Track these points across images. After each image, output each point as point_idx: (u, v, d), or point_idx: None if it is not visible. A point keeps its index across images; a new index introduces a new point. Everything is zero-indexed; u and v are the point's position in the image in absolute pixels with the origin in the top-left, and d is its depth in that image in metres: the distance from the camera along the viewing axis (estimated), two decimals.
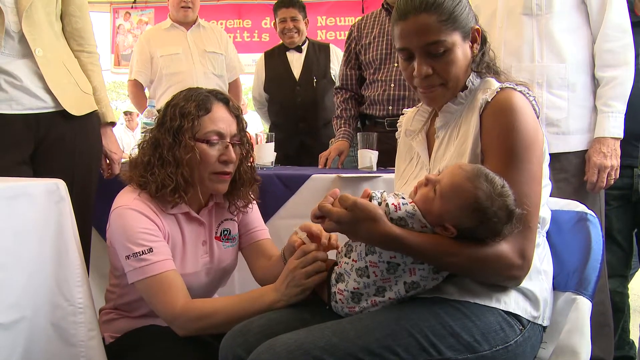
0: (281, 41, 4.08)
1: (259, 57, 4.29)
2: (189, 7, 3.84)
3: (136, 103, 4.12)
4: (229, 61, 4.00)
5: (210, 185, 1.69)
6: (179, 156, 1.62)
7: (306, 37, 4.08)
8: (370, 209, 1.26)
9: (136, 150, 1.75)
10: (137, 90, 3.98)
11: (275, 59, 4.08)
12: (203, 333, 1.59)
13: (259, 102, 4.18)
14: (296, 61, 4.01)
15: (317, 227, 1.54)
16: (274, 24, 4.08)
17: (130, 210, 1.60)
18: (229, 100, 1.74)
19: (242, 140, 1.75)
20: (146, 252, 1.56)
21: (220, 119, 1.68)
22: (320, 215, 1.33)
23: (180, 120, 1.63)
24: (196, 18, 3.94)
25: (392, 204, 1.28)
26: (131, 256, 1.56)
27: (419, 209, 1.28)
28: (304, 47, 4.03)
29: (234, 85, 4.07)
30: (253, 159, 1.86)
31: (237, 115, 1.74)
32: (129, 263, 1.57)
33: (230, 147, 1.68)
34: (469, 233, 1.25)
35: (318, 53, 4.05)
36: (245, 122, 1.79)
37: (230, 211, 1.83)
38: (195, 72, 3.80)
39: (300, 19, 3.96)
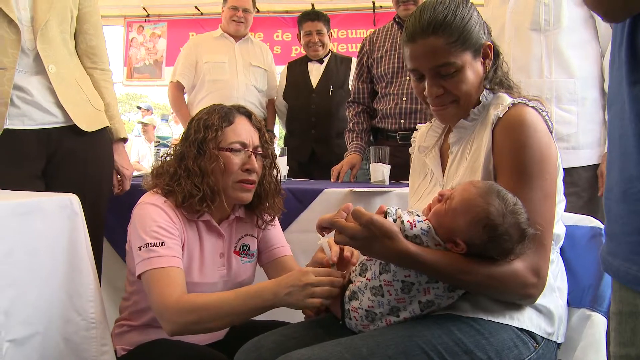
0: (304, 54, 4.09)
1: (283, 68, 4.31)
2: (242, 22, 3.90)
3: (174, 105, 4.04)
4: (271, 80, 4.04)
5: (234, 195, 1.72)
6: (204, 166, 1.67)
7: (329, 49, 4.09)
8: (387, 227, 1.24)
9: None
10: (178, 92, 3.97)
11: (296, 68, 4.10)
12: (193, 330, 1.52)
13: (280, 112, 4.17)
14: (315, 70, 4.01)
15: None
16: (298, 35, 4.08)
17: (154, 206, 1.65)
18: (251, 114, 1.80)
19: (265, 151, 1.79)
20: (157, 244, 1.57)
21: (242, 130, 1.74)
22: (326, 227, 1.33)
23: (205, 132, 1.69)
24: (247, 32, 3.98)
25: (408, 221, 1.27)
26: (143, 247, 1.57)
27: (432, 225, 1.27)
28: (326, 59, 4.03)
29: (272, 103, 4.10)
30: (278, 172, 1.89)
31: (259, 128, 1.80)
32: (139, 254, 1.58)
33: (253, 156, 1.73)
34: (480, 250, 1.24)
35: (339, 65, 4.04)
36: (268, 135, 1.84)
37: (258, 225, 1.84)
38: (237, 82, 3.83)
39: (325, 32, 3.96)
